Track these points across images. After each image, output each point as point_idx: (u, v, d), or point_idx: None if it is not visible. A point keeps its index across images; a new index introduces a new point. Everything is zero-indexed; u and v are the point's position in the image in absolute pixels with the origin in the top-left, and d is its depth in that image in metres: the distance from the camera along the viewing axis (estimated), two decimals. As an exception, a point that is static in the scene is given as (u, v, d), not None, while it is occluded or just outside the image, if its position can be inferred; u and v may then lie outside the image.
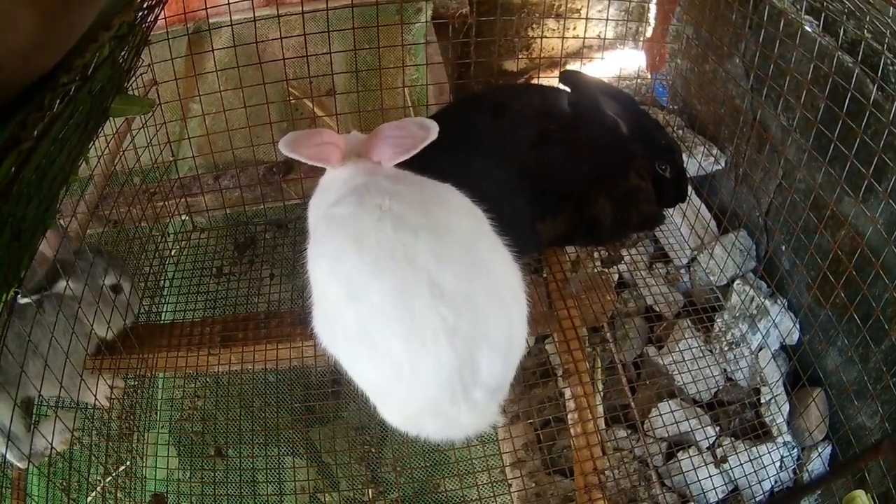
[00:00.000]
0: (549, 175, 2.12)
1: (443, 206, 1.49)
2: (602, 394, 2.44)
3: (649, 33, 3.58)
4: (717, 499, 2.25)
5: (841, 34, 2.02)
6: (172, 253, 2.66)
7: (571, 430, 2.09)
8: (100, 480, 2.12)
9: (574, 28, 3.55)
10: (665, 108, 3.34)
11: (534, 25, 3.71)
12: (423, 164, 1.58)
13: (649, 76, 3.50)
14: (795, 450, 2.32)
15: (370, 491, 2.36)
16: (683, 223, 2.76)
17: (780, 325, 2.44)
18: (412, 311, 1.31)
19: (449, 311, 1.30)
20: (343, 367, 1.50)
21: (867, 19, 1.75)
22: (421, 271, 1.31)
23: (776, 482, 2.28)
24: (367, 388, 1.50)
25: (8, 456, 1.98)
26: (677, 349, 2.47)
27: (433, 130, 1.55)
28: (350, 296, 1.36)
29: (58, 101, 0.99)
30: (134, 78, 2.02)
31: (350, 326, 1.38)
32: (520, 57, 3.74)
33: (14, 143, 0.87)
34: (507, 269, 1.49)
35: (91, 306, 1.96)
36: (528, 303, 1.52)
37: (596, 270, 2.59)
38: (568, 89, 2.26)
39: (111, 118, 1.68)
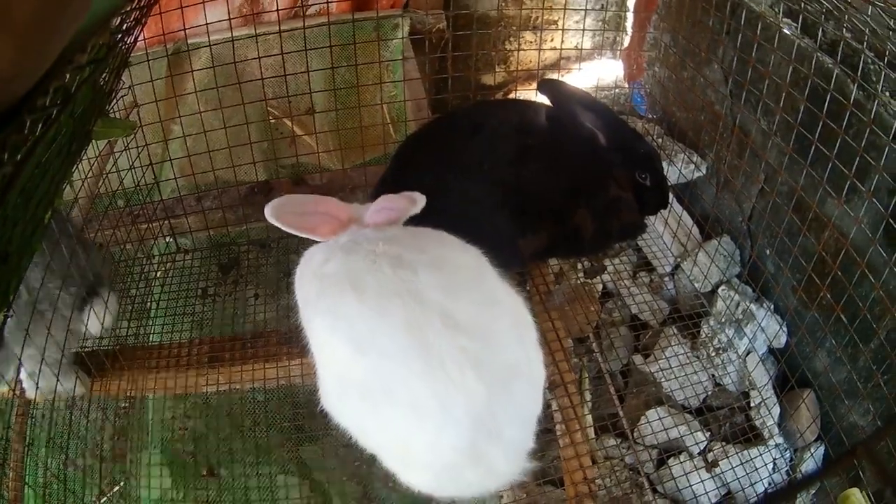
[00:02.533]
0: (529, 191, 2.11)
1: (438, 243, 1.44)
2: (590, 404, 2.44)
3: (627, 42, 3.61)
4: (710, 503, 2.26)
5: (820, 35, 2.03)
6: (158, 275, 2.64)
7: (560, 441, 2.09)
8: (95, 501, 2.11)
9: (551, 40, 3.56)
10: (644, 117, 3.36)
11: (511, 38, 3.72)
12: (404, 187, 1.57)
13: (627, 85, 3.52)
14: (788, 451, 2.33)
15: (363, 507, 2.35)
16: (666, 231, 2.77)
17: (767, 329, 2.45)
18: (427, 346, 1.23)
19: (468, 342, 1.24)
20: (361, 437, 1.44)
21: (846, 18, 1.76)
22: (430, 305, 1.25)
23: (769, 484, 2.28)
24: (388, 450, 1.44)
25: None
26: (664, 357, 2.48)
27: (419, 203, 1.52)
28: (357, 347, 1.27)
29: (39, 125, 0.98)
30: (115, 100, 2.02)
31: (362, 379, 1.30)
32: (497, 70, 3.75)
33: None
34: (513, 301, 1.45)
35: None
36: (538, 332, 1.48)
37: (579, 281, 2.60)
38: (546, 99, 2.26)
39: (94, 141, 1.68)
